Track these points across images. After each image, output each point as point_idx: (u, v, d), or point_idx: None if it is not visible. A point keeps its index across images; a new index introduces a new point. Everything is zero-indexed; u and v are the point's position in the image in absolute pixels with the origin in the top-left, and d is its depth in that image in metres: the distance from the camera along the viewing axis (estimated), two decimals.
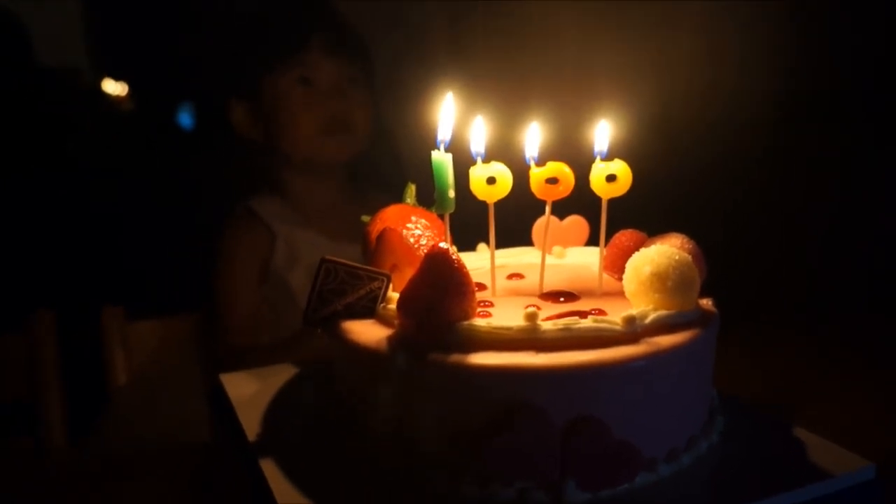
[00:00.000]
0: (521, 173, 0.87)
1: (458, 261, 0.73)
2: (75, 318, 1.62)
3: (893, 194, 1.70)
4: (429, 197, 0.87)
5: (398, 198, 0.94)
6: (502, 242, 0.96)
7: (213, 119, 1.79)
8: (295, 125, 1.57)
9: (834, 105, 1.78)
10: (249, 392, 0.97)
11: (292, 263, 1.56)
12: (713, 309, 0.82)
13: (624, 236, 0.92)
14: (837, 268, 1.68)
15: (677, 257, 0.76)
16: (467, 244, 1.01)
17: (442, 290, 0.72)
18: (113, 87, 2.80)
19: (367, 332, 0.78)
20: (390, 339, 0.76)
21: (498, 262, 0.93)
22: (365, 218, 0.92)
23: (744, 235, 1.77)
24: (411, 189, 0.94)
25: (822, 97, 1.79)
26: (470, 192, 0.85)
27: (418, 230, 0.87)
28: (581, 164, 0.87)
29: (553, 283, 0.91)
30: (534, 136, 0.88)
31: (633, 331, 0.73)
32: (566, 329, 0.72)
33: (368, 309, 0.81)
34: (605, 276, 0.90)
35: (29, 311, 1.52)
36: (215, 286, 1.57)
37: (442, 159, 0.82)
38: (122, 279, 2.22)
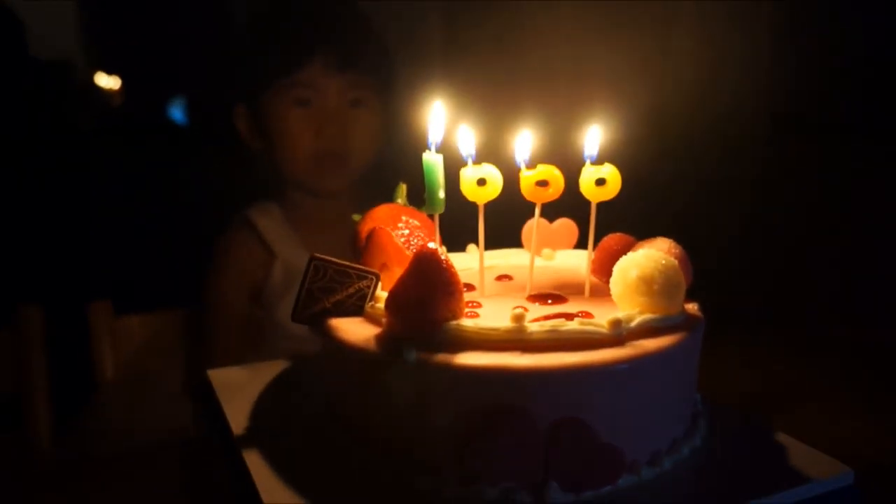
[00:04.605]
0: (511, 175, 0.87)
1: (447, 261, 0.74)
2: (63, 313, 1.61)
3: (885, 204, 1.71)
4: (419, 197, 0.88)
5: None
6: (492, 244, 0.96)
7: (215, 119, 1.73)
8: (288, 147, 1.49)
9: (828, 110, 1.79)
10: (236, 388, 0.97)
11: (288, 289, 1.48)
12: (699, 313, 0.83)
13: (612, 240, 0.92)
14: (824, 274, 1.69)
15: (664, 262, 0.77)
16: (457, 245, 1.02)
17: (430, 289, 0.73)
18: (106, 81, 2.79)
19: (355, 330, 0.78)
20: (378, 337, 0.76)
21: (487, 263, 0.93)
22: (356, 217, 0.93)
23: (731, 240, 1.78)
24: (402, 189, 0.95)
25: (818, 101, 1.80)
26: (460, 194, 0.86)
27: (408, 230, 0.88)
28: (571, 167, 0.88)
29: (541, 284, 0.92)
30: (524, 139, 0.88)
31: (619, 334, 0.74)
32: (552, 331, 0.72)
33: (357, 307, 0.81)
34: (593, 278, 0.91)
35: (16, 306, 1.52)
36: (204, 301, 1.53)
37: (433, 160, 0.82)
38: (111, 274, 2.21)
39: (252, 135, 1.55)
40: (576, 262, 1.01)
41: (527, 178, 0.86)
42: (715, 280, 0.93)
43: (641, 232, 0.91)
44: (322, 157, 1.49)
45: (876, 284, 1.63)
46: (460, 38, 2.26)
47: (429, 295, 0.73)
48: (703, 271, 0.86)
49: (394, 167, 1.58)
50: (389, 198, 0.94)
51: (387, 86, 1.56)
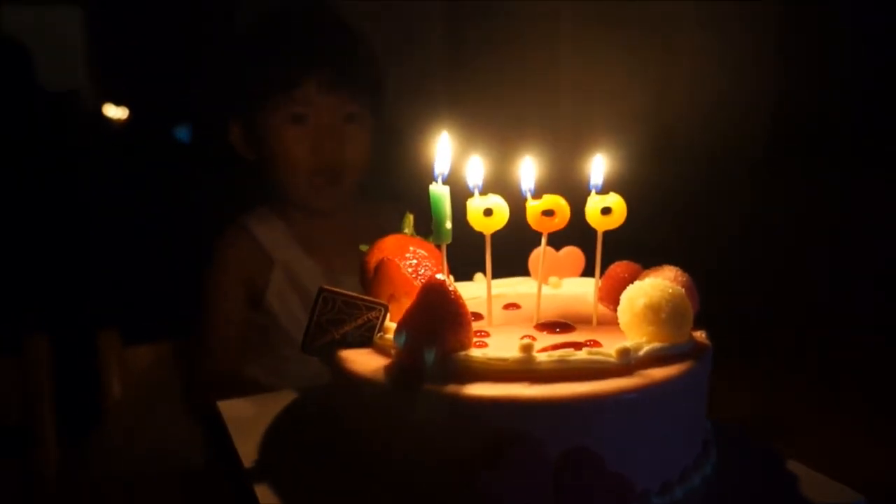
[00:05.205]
0: (517, 203, 0.88)
1: (455, 291, 0.74)
2: (71, 341, 1.61)
3: (885, 204, 1.71)
4: (426, 226, 0.88)
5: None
6: (499, 273, 0.97)
7: (213, 137, 1.76)
8: (284, 163, 1.51)
9: (827, 135, 1.80)
10: (245, 418, 0.97)
11: (289, 294, 1.51)
12: (706, 341, 0.83)
13: (619, 268, 0.93)
14: (828, 299, 1.69)
15: (671, 290, 0.77)
16: (465, 274, 1.02)
17: (438, 320, 0.73)
18: (113, 112, 2.83)
19: (365, 361, 0.79)
20: (387, 368, 0.76)
21: (494, 291, 0.94)
22: (363, 247, 0.93)
23: (737, 267, 1.78)
24: (409, 219, 0.95)
25: (815, 127, 1.81)
26: (467, 224, 0.86)
27: (416, 260, 0.88)
28: (577, 195, 0.89)
29: (549, 313, 0.92)
30: (530, 169, 0.89)
31: (628, 363, 0.74)
32: (561, 361, 0.73)
33: (366, 338, 0.82)
34: (601, 307, 0.91)
35: (24, 334, 1.52)
36: (203, 304, 1.53)
37: (439, 192, 0.83)
38: (119, 302, 2.22)
39: (247, 147, 1.58)
40: (583, 291, 1.01)
41: (533, 207, 0.87)
42: (722, 306, 0.93)
43: (648, 259, 0.92)
44: (313, 178, 1.51)
45: (876, 285, 1.63)
46: (465, 69, 2.28)
47: (437, 326, 0.73)
48: (710, 298, 0.86)
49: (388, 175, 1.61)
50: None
51: (379, 100, 1.59)
